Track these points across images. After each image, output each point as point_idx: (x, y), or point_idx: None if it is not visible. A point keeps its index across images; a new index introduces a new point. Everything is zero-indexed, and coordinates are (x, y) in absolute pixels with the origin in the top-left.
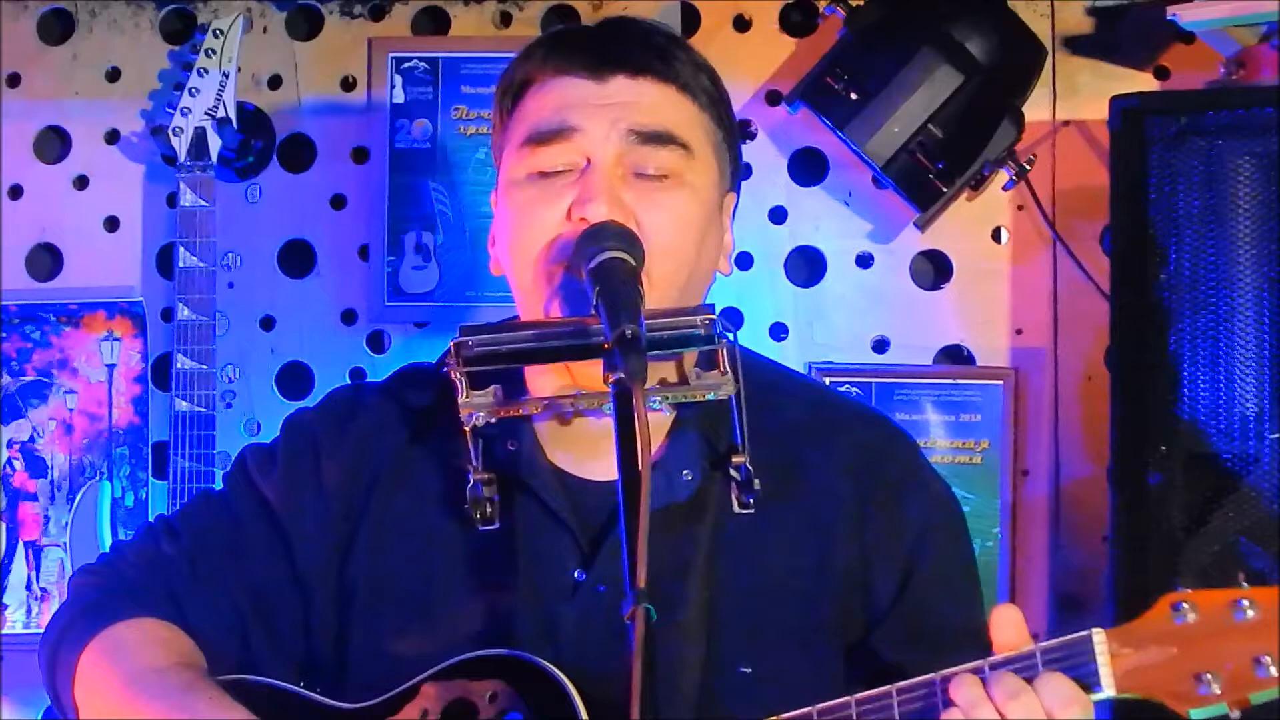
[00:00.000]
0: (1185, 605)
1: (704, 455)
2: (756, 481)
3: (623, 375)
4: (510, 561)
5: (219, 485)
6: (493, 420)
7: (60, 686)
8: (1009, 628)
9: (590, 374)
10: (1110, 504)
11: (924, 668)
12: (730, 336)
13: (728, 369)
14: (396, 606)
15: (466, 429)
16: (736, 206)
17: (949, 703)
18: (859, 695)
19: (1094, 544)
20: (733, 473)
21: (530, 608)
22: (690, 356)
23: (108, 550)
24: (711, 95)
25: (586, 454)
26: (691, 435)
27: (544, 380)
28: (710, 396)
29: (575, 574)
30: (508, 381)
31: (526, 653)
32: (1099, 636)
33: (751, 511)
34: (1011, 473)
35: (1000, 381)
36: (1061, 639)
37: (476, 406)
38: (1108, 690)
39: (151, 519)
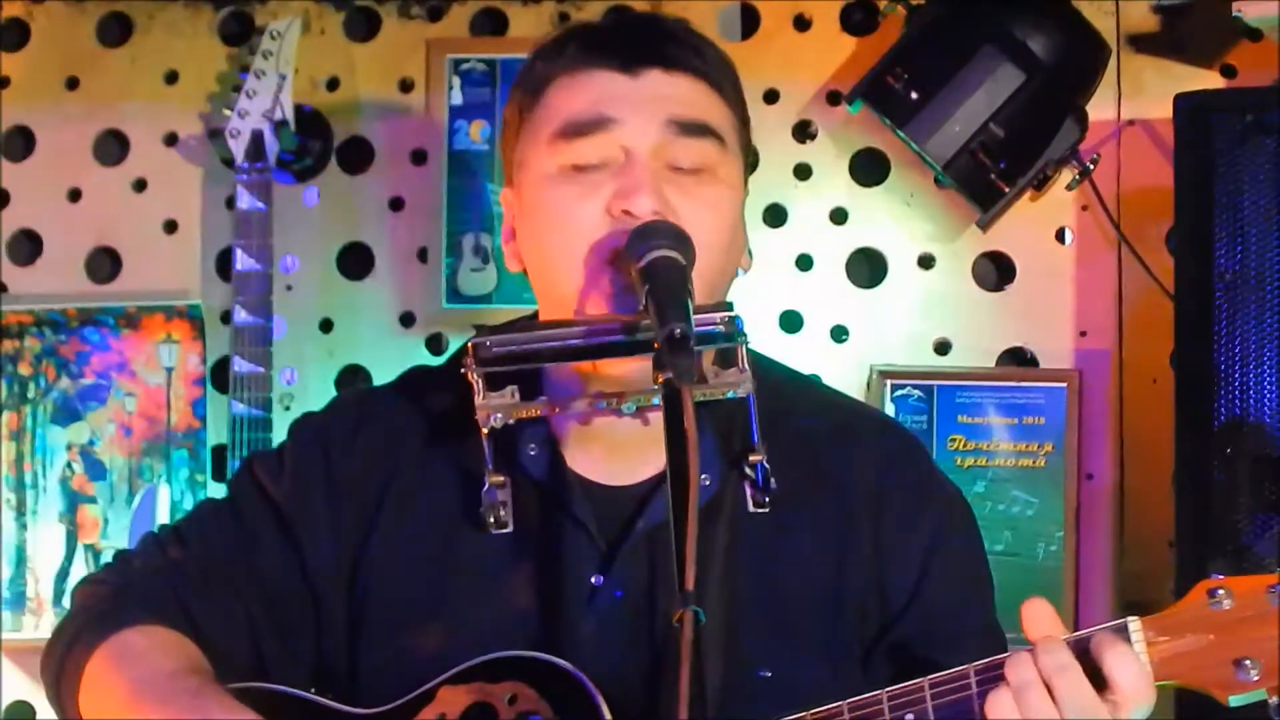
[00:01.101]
0: (1221, 591)
1: (720, 457)
2: (773, 480)
3: (672, 375)
4: (527, 566)
5: (225, 493)
6: (510, 421)
7: (65, 696)
8: (1043, 620)
9: (611, 374)
10: (1175, 508)
11: (939, 669)
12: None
13: (746, 367)
14: (410, 611)
15: (484, 431)
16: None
17: (983, 695)
18: (890, 690)
19: (1158, 549)
20: (748, 471)
21: (547, 612)
22: (708, 355)
23: (112, 560)
24: (736, 90)
25: (606, 458)
26: (707, 437)
27: (563, 381)
28: (730, 394)
29: (593, 579)
30: (525, 383)
31: (548, 655)
32: (1135, 624)
33: (767, 511)
34: (1075, 476)
35: (1064, 384)
36: (1098, 627)
37: (494, 408)
38: None
39: (155, 529)
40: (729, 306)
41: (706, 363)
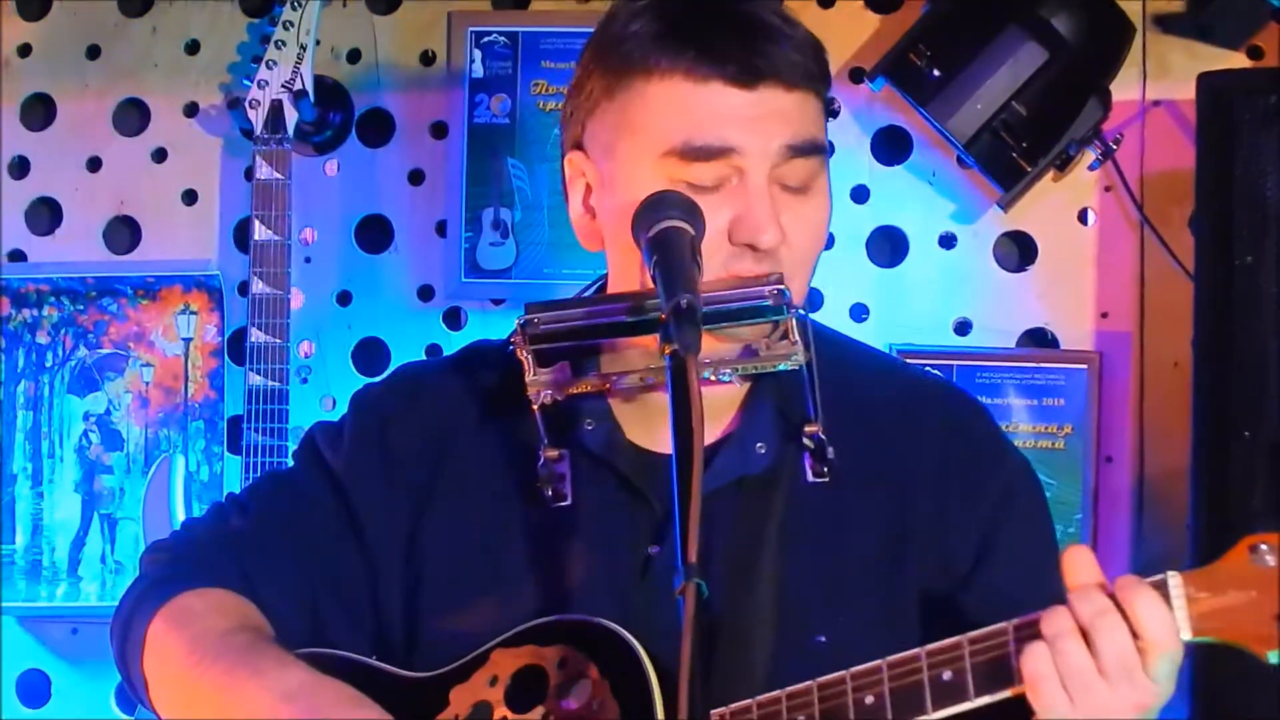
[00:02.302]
0: (1264, 547)
1: (778, 427)
2: (830, 450)
3: (678, 347)
4: (583, 538)
5: (290, 463)
6: (560, 398)
7: (130, 660)
8: (1084, 568)
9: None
10: (1191, 491)
11: None
12: (802, 310)
13: (797, 339)
14: (466, 583)
15: (535, 407)
16: None
17: (1020, 651)
18: (929, 647)
19: (1178, 532)
20: (806, 442)
21: (602, 581)
22: (760, 327)
23: (178, 527)
24: (826, 81)
25: (662, 428)
26: (766, 407)
27: (618, 355)
28: (781, 367)
29: (650, 549)
30: (577, 358)
31: (600, 619)
32: (1175, 579)
33: (826, 480)
34: (1094, 458)
35: (1084, 366)
36: (1136, 580)
37: (544, 384)
38: (1185, 633)
39: (222, 498)
40: (779, 279)
41: (758, 336)
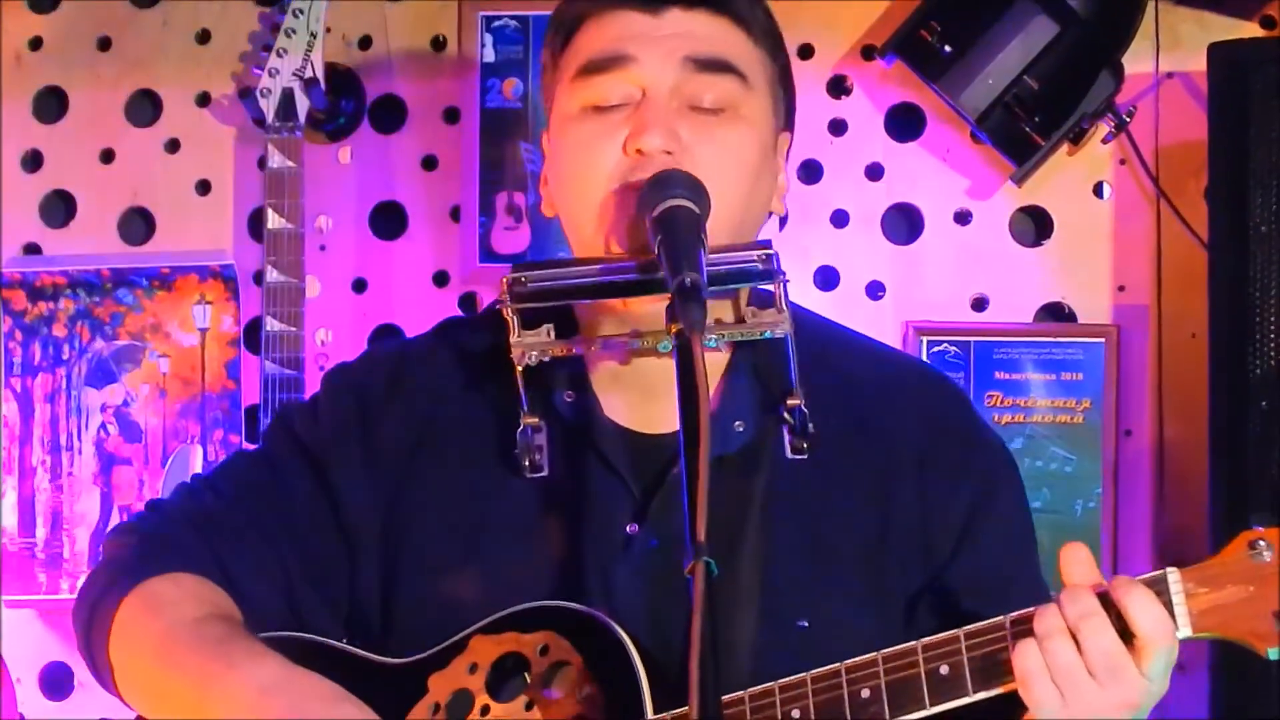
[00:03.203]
0: (1263, 544)
1: (758, 402)
2: (811, 425)
3: (683, 326)
4: (562, 512)
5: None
6: (545, 359)
7: (95, 646)
8: (1080, 566)
9: (647, 313)
10: (1209, 462)
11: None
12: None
13: (784, 307)
14: (443, 559)
15: (519, 368)
16: (790, 148)
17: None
18: (925, 641)
19: (1198, 505)
20: (786, 416)
21: (582, 560)
22: (745, 295)
23: (144, 509)
24: (766, 29)
25: (641, 404)
26: (744, 381)
27: (598, 320)
28: (766, 334)
29: (628, 527)
30: (560, 322)
31: (580, 605)
32: (1175, 575)
33: (805, 458)
34: (1113, 432)
35: (1102, 339)
36: (1136, 578)
37: (529, 345)
38: (1185, 630)
39: (188, 479)
40: (768, 244)
41: (743, 303)
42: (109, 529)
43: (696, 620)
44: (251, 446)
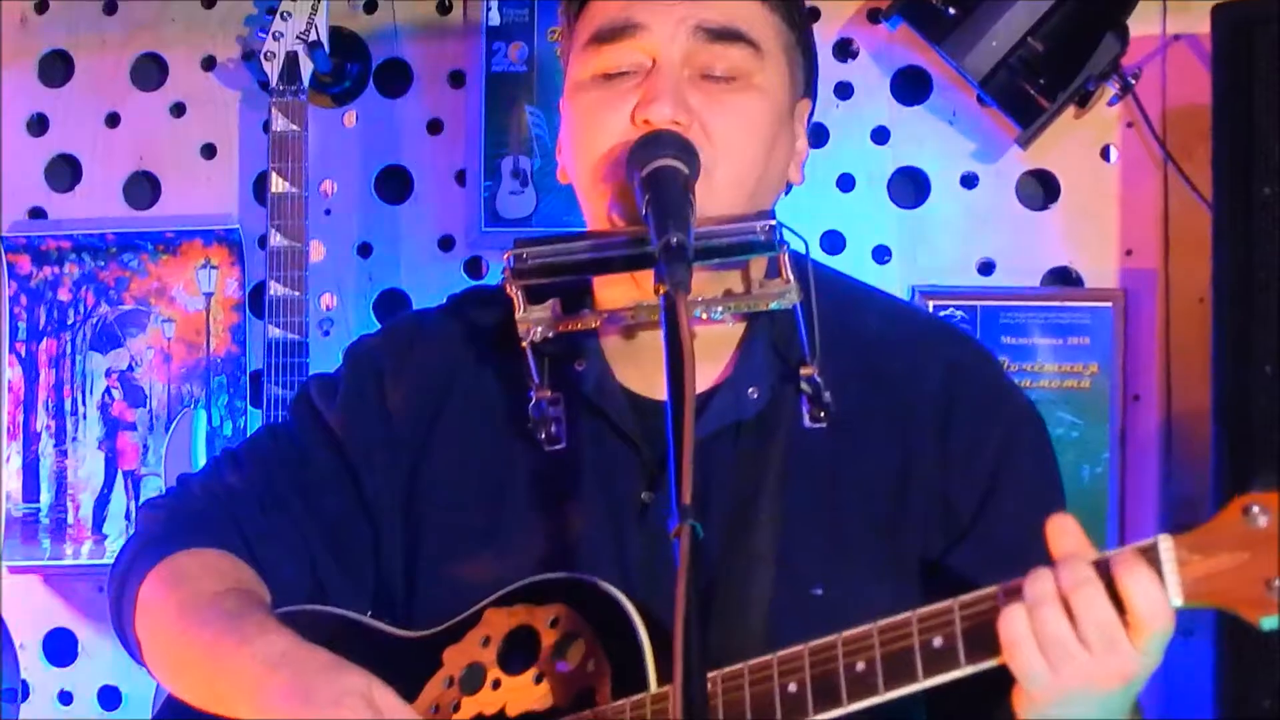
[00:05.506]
0: (1257, 508)
1: (773, 370)
2: (827, 395)
3: (668, 286)
4: (578, 482)
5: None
6: (551, 335)
7: (124, 619)
8: (1068, 536)
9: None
10: (1213, 427)
11: None
12: (803, 246)
13: (790, 276)
14: (464, 530)
15: (525, 344)
16: (812, 114)
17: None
18: (921, 611)
19: (1205, 470)
20: (803, 386)
21: (599, 530)
22: (756, 266)
23: (174, 484)
24: None
25: (656, 371)
26: (759, 349)
27: (609, 293)
28: (774, 305)
29: (643, 495)
30: (569, 295)
31: (592, 576)
32: (1166, 543)
33: (824, 426)
34: (1121, 397)
35: (1109, 304)
36: (1128, 547)
37: (534, 321)
38: (1177, 599)
39: (217, 452)
40: (771, 215)
41: (754, 274)
42: (141, 503)
43: (681, 584)
44: (257, 418)
